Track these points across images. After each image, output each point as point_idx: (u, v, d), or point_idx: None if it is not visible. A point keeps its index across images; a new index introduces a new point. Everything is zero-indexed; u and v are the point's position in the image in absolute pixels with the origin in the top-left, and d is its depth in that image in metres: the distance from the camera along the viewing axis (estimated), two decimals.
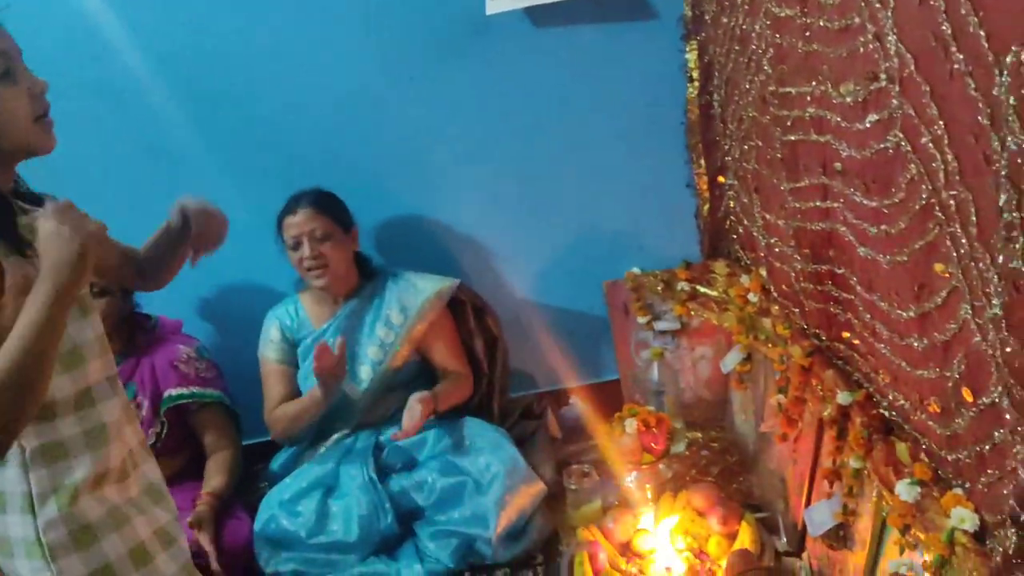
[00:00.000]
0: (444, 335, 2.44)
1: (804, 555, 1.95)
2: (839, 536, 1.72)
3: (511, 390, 2.72)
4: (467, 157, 2.54)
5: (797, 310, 2.04)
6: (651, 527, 2.17)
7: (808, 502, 1.91)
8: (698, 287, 2.61)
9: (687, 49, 2.43)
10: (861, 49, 1.41)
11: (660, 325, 2.63)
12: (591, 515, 2.25)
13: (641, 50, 2.46)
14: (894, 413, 1.60)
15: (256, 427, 2.50)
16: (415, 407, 2.20)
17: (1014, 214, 1.02)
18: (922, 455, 1.48)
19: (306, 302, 2.44)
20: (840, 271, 1.71)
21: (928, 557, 1.35)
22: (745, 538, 2.01)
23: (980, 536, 1.29)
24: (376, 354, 2.36)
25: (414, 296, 2.39)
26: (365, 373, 2.35)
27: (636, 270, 2.66)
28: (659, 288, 2.64)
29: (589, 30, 2.43)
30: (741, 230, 2.43)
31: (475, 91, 2.47)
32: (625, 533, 2.16)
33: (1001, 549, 1.18)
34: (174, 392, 2.25)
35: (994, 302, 1.10)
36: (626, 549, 2.14)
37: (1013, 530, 1.13)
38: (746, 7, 1.99)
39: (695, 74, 2.44)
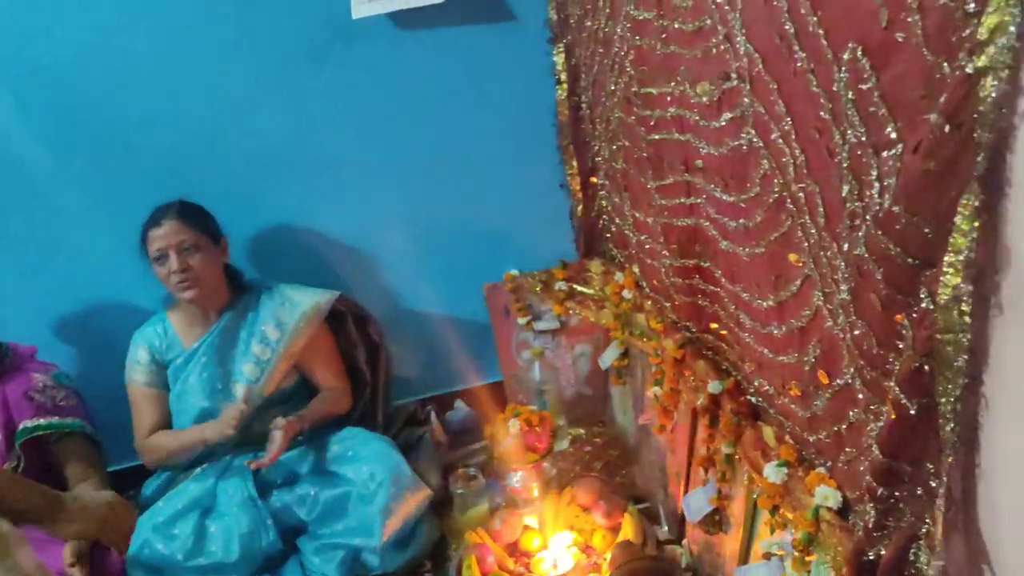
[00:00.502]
0: (323, 351, 2.38)
1: (684, 542, 1.99)
2: (715, 521, 1.77)
3: (395, 397, 2.68)
4: (340, 163, 2.48)
5: (668, 304, 2.09)
6: (537, 526, 2.18)
7: (686, 490, 1.96)
8: (575, 286, 2.63)
9: (554, 52, 2.45)
10: (714, 50, 1.45)
11: (540, 325, 2.65)
12: (478, 518, 2.24)
13: (509, 53, 2.46)
14: (760, 399, 1.65)
15: (127, 452, 2.37)
16: (275, 435, 2.14)
17: (856, 203, 1.07)
18: (787, 437, 1.54)
19: (175, 320, 2.32)
20: (705, 264, 1.75)
21: (796, 535, 1.40)
22: (628, 530, 2.04)
23: (843, 512, 1.34)
24: (252, 372, 2.27)
25: (291, 311, 2.31)
26: (241, 391, 2.25)
27: (515, 271, 2.67)
28: (538, 288, 2.66)
29: (456, 33, 2.41)
30: (614, 228, 2.47)
31: (344, 96, 2.41)
32: (512, 533, 2.16)
33: (862, 524, 1.23)
34: (30, 424, 2.10)
35: (842, 288, 1.15)
36: (514, 549, 2.14)
37: (871, 504, 1.17)
38: (608, 10, 2.02)
39: (563, 76, 2.47)
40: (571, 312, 2.64)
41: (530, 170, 2.62)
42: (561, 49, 2.44)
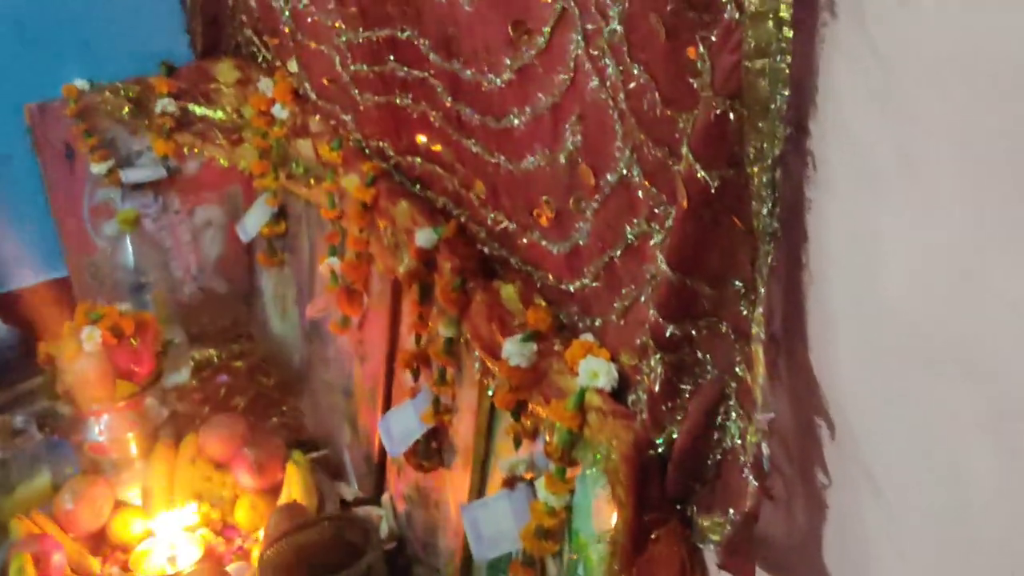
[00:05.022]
0: None
1: (385, 497, 2.07)
2: (431, 449, 1.85)
3: None
4: None
5: (349, 117, 2.12)
6: (140, 501, 2.17)
7: (385, 411, 2.02)
8: (191, 106, 2.59)
9: None
10: None
11: (131, 175, 2.58)
12: (35, 496, 2.18)
13: None
14: (496, 244, 1.74)
15: None
16: None
17: None
18: (536, 296, 1.63)
19: None
20: (405, 34, 1.78)
21: (552, 440, 1.48)
22: (293, 488, 2.08)
23: (619, 394, 1.45)
24: None
25: None
26: None
27: (83, 82, 2.57)
28: (125, 112, 2.58)
29: None
30: (254, 3, 2.44)
31: None
32: (96, 517, 2.13)
33: (645, 397, 1.34)
34: None
35: (611, 16, 1.22)
36: (100, 541, 2.12)
37: (659, 356, 1.28)
38: None
39: None
40: (187, 151, 2.59)
41: None
42: None
